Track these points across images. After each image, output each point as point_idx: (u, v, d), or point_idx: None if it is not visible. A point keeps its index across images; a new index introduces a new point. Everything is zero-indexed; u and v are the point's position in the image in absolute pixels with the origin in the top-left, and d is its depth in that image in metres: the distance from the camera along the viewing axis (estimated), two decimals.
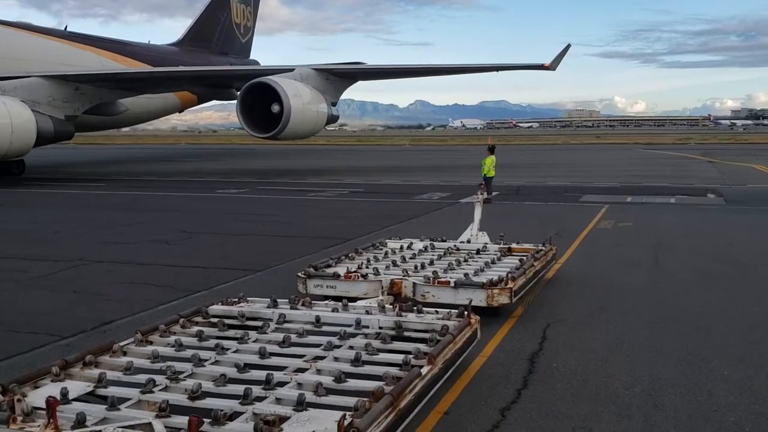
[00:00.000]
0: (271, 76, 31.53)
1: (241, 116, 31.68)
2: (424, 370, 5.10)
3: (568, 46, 35.96)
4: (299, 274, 8.85)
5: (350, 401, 4.46)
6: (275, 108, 30.28)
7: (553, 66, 34.18)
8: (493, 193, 21.72)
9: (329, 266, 9.24)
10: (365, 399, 4.36)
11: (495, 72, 40.63)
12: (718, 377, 6.33)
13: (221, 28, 52.31)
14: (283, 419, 4.23)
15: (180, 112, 48.17)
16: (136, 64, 40.61)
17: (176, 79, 37.24)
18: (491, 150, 22.86)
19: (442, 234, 11.63)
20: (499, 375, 6.40)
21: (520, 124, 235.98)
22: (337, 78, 36.05)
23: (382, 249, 10.65)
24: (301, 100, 31.09)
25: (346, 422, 3.94)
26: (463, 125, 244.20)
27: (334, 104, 36.03)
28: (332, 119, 36.41)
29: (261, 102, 30.77)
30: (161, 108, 44.39)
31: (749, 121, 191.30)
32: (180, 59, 44.71)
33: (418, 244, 10.96)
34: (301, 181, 29.47)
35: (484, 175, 22.22)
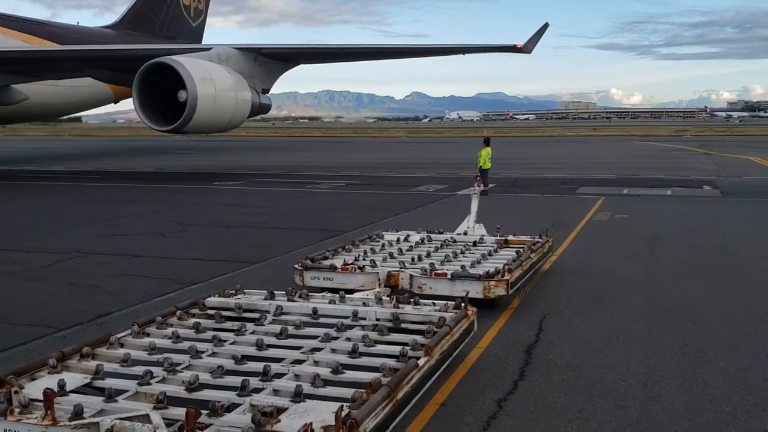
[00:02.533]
0: (174, 56, 26.17)
1: (138, 104, 26.12)
2: (421, 362, 5.11)
3: (545, 25, 31.95)
4: (296, 266, 8.85)
5: (347, 392, 4.46)
6: (182, 95, 25.25)
7: (527, 48, 30.83)
8: (490, 185, 21.71)
9: (326, 258, 9.25)
10: (362, 390, 4.37)
11: (462, 54, 37.05)
12: (713, 368, 6.35)
13: (167, 10, 45.98)
14: (281, 410, 4.23)
15: (115, 103, 42.52)
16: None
17: (57, 60, 30.45)
18: (486, 142, 22.86)
19: (439, 226, 11.63)
20: (496, 366, 6.42)
21: (517, 116, 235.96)
22: (270, 60, 30.72)
23: (379, 241, 10.65)
24: (213, 86, 26.18)
25: (343, 413, 3.94)
26: (460, 117, 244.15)
27: (266, 91, 31.25)
28: (261, 109, 31.09)
29: (168, 88, 25.72)
30: (87, 98, 38.45)
31: (746, 113, 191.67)
32: (113, 43, 38.11)
33: (415, 236, 10.95)
34: (298, 173, 29.40)
35: (480, 167, 22.23)
